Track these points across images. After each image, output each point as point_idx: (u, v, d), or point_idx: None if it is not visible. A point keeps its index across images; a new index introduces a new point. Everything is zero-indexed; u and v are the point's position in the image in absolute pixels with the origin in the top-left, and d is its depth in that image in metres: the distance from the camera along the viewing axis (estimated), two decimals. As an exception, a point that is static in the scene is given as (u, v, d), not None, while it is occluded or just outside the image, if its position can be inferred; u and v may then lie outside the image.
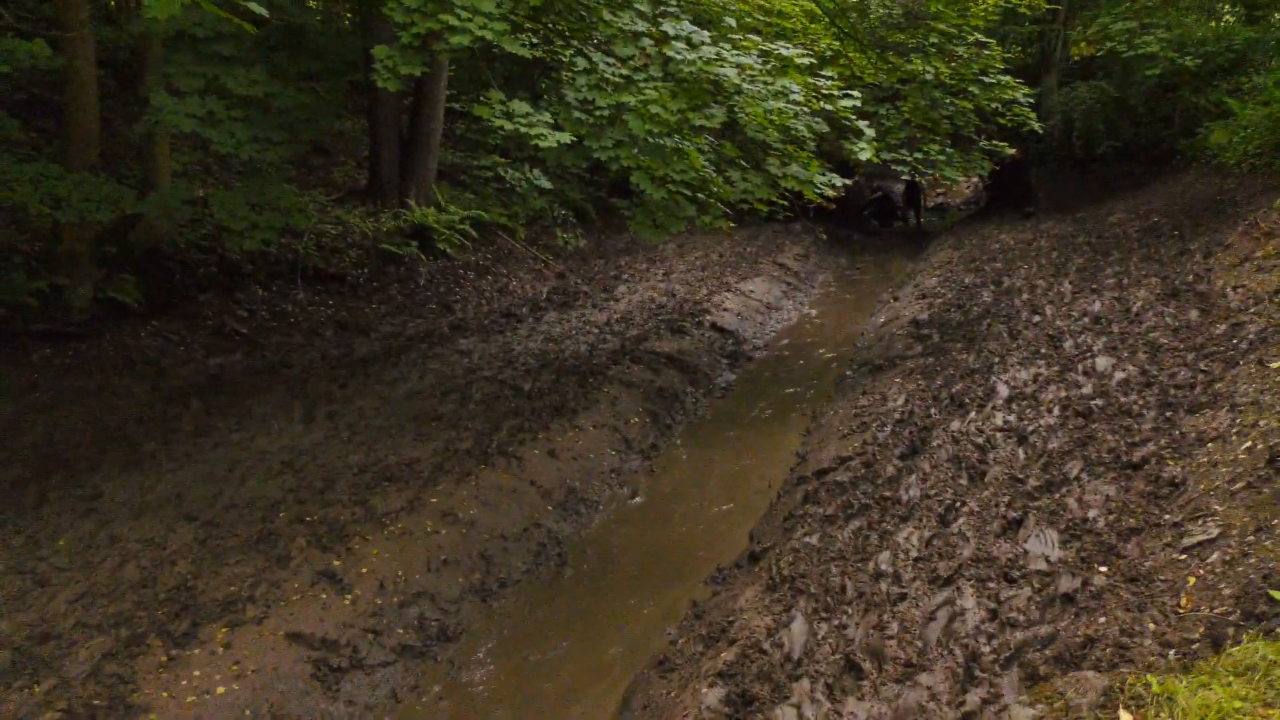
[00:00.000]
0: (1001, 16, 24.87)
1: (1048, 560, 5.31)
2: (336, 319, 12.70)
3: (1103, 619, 4.45)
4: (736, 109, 6.98)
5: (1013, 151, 11.86)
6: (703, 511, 8.14)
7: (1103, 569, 4.96)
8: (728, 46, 6.95)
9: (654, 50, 6.74)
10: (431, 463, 8.13)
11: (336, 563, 6.38)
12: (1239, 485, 5.01)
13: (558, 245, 18.53)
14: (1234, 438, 5.73)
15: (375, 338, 12.36)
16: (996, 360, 9.78)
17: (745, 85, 6.70)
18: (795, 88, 7.19)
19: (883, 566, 5.62)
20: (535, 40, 8.72)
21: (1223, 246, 11.97)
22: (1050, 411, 7.81)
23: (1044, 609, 4.85)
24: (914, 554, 5.69)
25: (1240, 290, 9.67)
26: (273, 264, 12.89)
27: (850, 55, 11.46)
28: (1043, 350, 9.80)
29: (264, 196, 8.25)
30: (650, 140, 7.01)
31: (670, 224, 7.39)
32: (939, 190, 36.93)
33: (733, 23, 9.22)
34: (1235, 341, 7.98)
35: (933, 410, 8.66)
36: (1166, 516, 5.23)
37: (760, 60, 7.07)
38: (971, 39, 11.08)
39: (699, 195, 7.93)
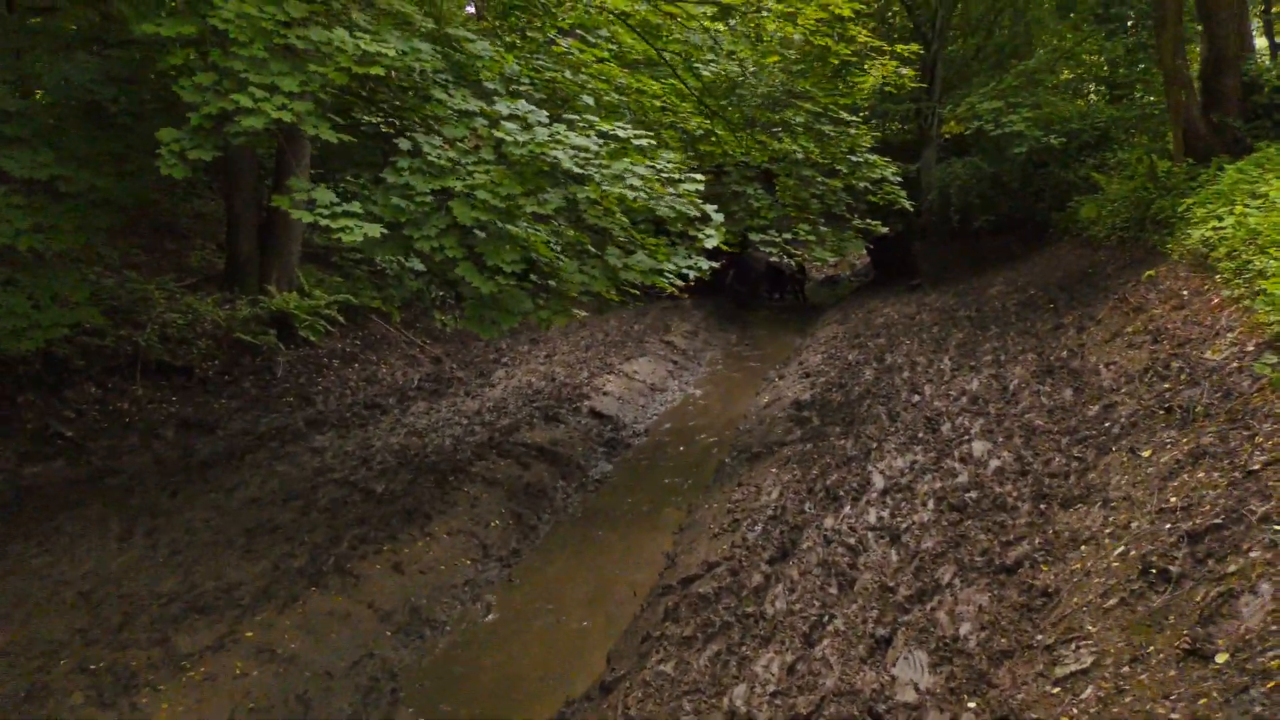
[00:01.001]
0: (880, 96, 25.51)
1: (916, 689, 4.77)
2: (180, 417, 11.68)
3: (970, 772, 3.90)
4: (574, 194, 6.46)
5: (885, 229, 11.71)
6: (561, 628, 7.42)
7: (971, 704, 4.43)
8: (562, 128, 6.46)
9: (486, 131, 6.21)
10: (255, 586, 7.25)
11: (116, 722, 5.45)
12: (1113, 601, 4.56)
13: (436, 328, 17.79)
14: (1106, 540, 5.33)
15: (222, 436, 11.38)
16: (874, 446, 9.39)
17: (577, 169, 6.20)
18: (639, 170, 6.72)
19: (738, 703, 5.00)
20: (370, 118, 8.11)
21: (1095, 321, 11.96)
22: (925, 505, 7.38)
23: (910, 754, 4.29)
24: (773, 686, 5.08)
25: (1112, 368, 9.53)
26: (109, 358, 11.84)
27: (719, 134, 11.19)
28: (920, 434, 9.46)
29: (50, 290, 7.36)
30: (490, 226, 6.44)
31: (504, 319, 6.79)
32: (831, 263, 37.44)
33: (590, 100, 8.82)
34: (1108, 425, 7.72)
35: (807, 504, 8.17)
36: (1040, 637, 4.75)
37: (600, 142, 6.58)
38: (840, 116, 10.94)
39: (549, 283, 7.38)
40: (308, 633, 6.72)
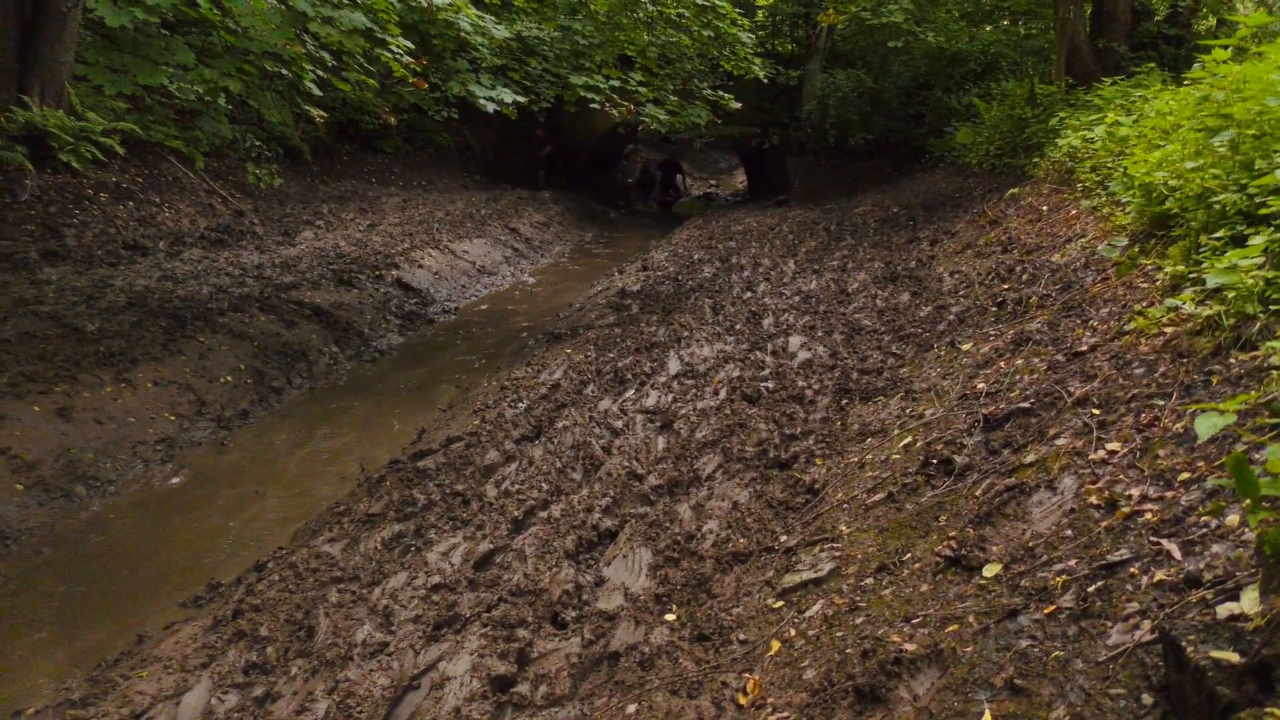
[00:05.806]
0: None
1: (625, 594, 3.60)
2: (-123, 228, 9.63)
3: (634, 706, 2.73)
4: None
5: (738, 105, 10.40)
6: (257, 501, 6.02)
7: (670, 616, 3.27)
8: None
9: None
10: None
11: None
12: (879, 496, 3.44)
13: (249, 184, 15.75)
14: (896, 431, 4.24)
15: (-77, 255, 9.41)
16: (686, 334, 8.23)
17: None
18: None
19: (386, 598, 3.73)
20: None
21: (950, 235, 11.05)
22: (716, 393, 6.24)
23: (579, 676, 3.10)
24: (437, 579, 3.83)
25: (956, 275, 8.58)
26: None
27: (555, -32, 9.61)
28: (738, 326, 8.33)
29: None
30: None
31: (142, 72, 5.14)
32: (711, 181, 36.29)
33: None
34: (937, 324, 6.72)
35: (589, 386, 6.94)
36: (784, 538, 3.62)
37: None
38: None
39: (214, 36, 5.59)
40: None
